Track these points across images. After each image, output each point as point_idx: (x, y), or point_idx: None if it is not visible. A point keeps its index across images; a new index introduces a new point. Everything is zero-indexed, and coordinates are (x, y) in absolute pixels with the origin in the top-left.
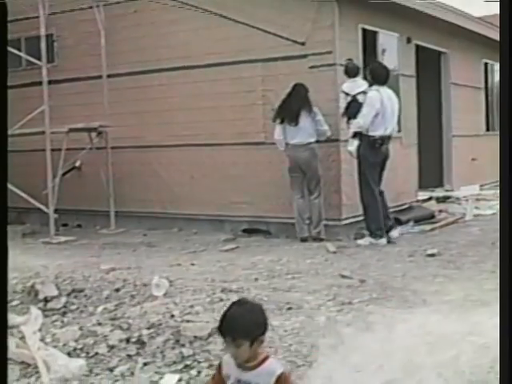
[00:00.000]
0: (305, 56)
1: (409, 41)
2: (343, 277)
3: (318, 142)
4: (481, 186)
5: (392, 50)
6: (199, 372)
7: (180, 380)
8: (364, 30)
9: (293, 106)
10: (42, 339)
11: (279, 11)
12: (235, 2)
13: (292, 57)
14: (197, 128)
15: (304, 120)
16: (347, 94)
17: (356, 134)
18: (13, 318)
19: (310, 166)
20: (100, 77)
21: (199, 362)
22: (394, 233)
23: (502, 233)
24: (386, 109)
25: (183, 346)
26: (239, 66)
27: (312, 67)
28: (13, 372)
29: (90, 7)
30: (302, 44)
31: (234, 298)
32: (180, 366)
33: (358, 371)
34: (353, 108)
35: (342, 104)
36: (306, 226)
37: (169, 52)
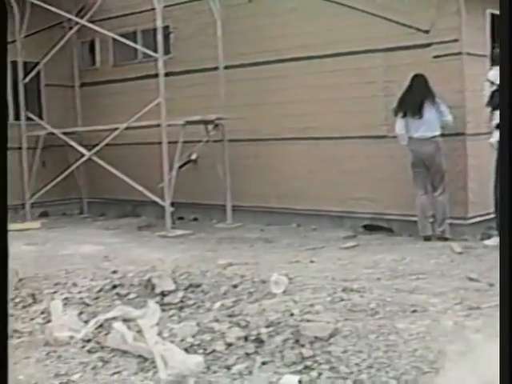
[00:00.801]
0: (429, 45)
1: None
2: (471, 279)
3: (442, 135)
4: None
5: None
6: (320, 374)
7: (300, 382)
8: (492, 16)
9: (415, 98)
10: (160, 334)
11: None
12: None
13: (415, 46)
14: (315, 120)
15: (428, 112)
16: (492, 83)
17: (499, 126)
18: (130, 312)
19: (434, 160)
20: (216, 68)
21: (320, 364)
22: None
23: (502, 237)
24: None
25: (303, 346)
26: (360, 55)
27: (436, 56)
28: (130, 365)
29: None
30: (426, 32)
31: (356, 297)
32: (300, 367)
33: (489, 381)
34: (497, 98)
35: (487, 93)
36: (430, 224)
37: (287, 42)
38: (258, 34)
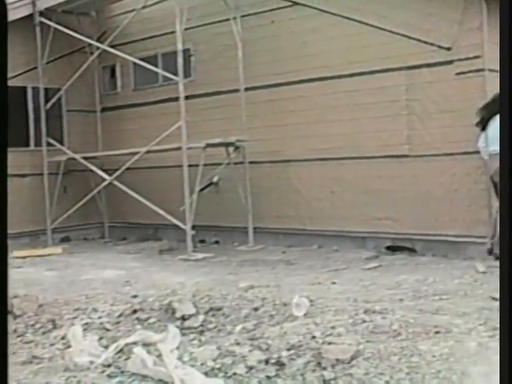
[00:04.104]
0: (451, 62)
1: None
2: (494, 299)
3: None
4: None
5: None
6: None
7: None
8: None
9: (484, 113)
10: (180, 358)
11: (423, 15)
12: (376, 8)
13: (437, 63)
14: (337, 141)
15: (495, 127)
16: None
17: None
18: (150, 336)
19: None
20: (237, 90)
21: None
22: None
23: (502, 232)
24: None
25: (325, 368)
26: (381, 74)
27: (459, 73)
28: None
29: (227, 20)
30: (448, 49)
31: (378, 319)
32: None
33: None
34: None
35: None
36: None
37: (307, 62)
38: (278, 55)
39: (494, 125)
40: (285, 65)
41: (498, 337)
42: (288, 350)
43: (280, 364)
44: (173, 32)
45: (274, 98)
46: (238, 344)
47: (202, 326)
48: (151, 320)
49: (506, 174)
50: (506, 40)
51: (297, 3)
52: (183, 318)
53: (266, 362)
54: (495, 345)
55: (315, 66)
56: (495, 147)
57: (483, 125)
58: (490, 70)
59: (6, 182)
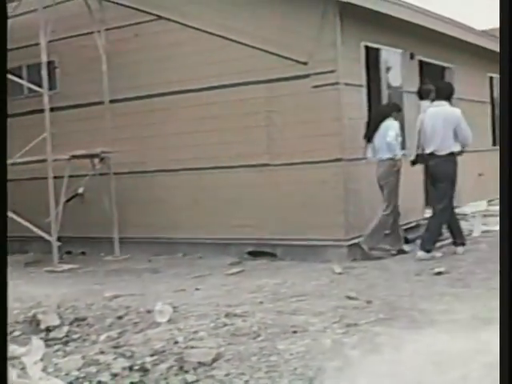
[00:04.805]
0: (307, 76)
1: (412, 57)
2: (349, 298)
3: (319, 162)
4: (488, 201)
5: (396, 66)
6: None
7: None
8: (367, 48)
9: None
10: (44, 369)
11: (282, 31)
12: (237, 23)
13: (295, 77)
14: (199, 151)
15: (379, 137)
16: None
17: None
18: (14, 349)
19: (383, 181)
20: (102, 102)
21: None
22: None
23: (501, 237)
24: (426, 127)
25: (187, 372)
26: (242, 87)
27: (315, 87)
28: None
29: (91, 33)
30: (305, 64)
31: (239, 322)
32: None
33: None
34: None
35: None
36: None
37: (171, 75)
38: (142, 68)
39: (378, 137)
40: (149, 78)
41: (351, 332)
42: (151, 355)
43: (144, 370)
44: (37, 44)
45: (138, 110)
46: (102, 353)
47: (66, 336)
48: (16, 333)
49: (506, 174)
50: (507, 40)
51: (160, 17)
52: (48, 330)
53: (130, 368)
54: (348, 340)
55: (178, 79)
56: (380, 155)
57: (369, 138)
58: (345, 84)
59: (5, 182)
